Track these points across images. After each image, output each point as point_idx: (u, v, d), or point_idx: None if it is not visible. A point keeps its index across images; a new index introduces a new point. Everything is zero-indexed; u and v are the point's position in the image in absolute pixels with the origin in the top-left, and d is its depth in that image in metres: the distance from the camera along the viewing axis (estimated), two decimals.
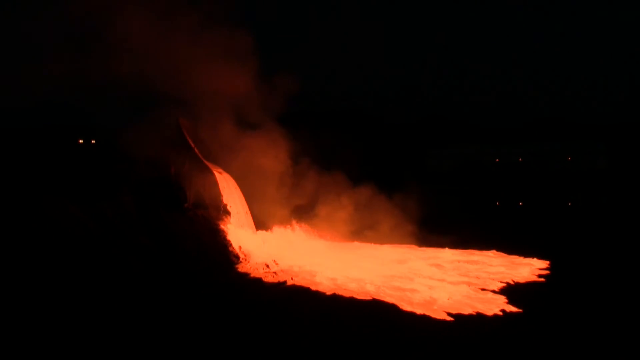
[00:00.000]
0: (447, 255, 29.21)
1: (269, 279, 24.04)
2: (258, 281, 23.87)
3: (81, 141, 35.17)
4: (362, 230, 32.72)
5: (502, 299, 21.39)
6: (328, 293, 21.83)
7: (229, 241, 26.78)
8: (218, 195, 28.55)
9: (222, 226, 27.51)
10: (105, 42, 27.15)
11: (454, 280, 23.97)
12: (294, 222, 30.84)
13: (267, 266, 25.31)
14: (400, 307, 20.12)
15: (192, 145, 28.60)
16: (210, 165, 28.90)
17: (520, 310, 20.00)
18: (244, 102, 29.73)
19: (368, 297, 21.19)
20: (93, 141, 34.89)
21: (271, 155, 31.12)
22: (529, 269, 26.14)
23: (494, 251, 29.95)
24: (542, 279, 24.48)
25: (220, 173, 29.25)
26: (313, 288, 22.54)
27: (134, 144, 26.61)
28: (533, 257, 28.20)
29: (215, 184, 28.72)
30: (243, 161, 30.36)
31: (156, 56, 27.66)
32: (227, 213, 28.36)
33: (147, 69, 27.06)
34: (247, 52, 29.32)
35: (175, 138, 28.64)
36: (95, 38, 27.57)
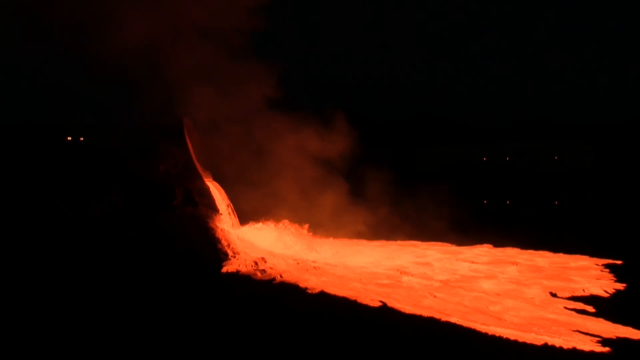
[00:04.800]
0: (435, 252, 29.47)
1: (257, 276, 24.18)
2: (247, 278, 24.00)
3: (69, 139, 35.03)
4: (351, 227, 32.89)
5: (489, 296, 21.67)
6: (316, 290, 22.03)
7: (218, 239, 26.87)
8: (207, 193, 28.64)
9: (210, 224, 27.57)
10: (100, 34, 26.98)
11: (442, 278, 24.21)
12: (283, 220, 30.90)
13: (256, 264, 25.42)
14: (387, 304, 20.34)
15: (190, 146, 28.59)
16: (200, 169, 28.96)
17: (511, 307, 20.31)
18: (234, 102, 29.77)
19: (355, 295, 21.37)
20: (81, 139, 34.77)
21: (260, 152, 31.21)
22: (515, 267, 26.43)
23: (481, 247, 30.27)
24: (528, 278, 24.73)
25: (208, 177, 29.41)
26: (301, 285, 22.73)
27: (124, 140, 26.63)
28: (518, 255, 28.58)
29: (205, 185, 28.84)
30: (232, 158, 30.39)
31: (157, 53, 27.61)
32: (216, 211, 28.41)
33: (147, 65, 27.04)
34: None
35: (175, 136, 28.65)
36: (92, 30, 27.35)
